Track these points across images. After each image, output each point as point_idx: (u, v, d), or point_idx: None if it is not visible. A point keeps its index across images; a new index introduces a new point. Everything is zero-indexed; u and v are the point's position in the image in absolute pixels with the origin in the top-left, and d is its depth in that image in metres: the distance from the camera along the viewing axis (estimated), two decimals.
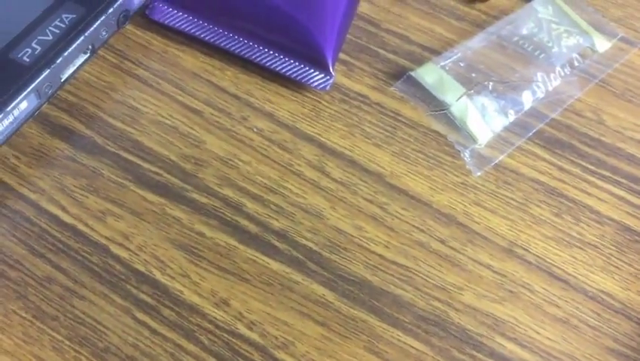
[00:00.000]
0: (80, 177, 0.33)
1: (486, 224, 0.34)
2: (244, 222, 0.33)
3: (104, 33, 0.35)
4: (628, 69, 0.40)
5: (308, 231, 0.33)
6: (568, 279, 0.32)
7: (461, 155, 0.36)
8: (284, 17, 0.37)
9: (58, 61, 0.32)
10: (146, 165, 0.34)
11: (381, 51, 0.39)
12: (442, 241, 0.33)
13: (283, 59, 0.37)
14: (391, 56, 0.39)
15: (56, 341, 0.29)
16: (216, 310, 0.30)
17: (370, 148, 0.36)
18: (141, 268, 0.31)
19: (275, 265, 0.32)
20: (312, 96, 0.37)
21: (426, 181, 0.35)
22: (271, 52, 0.37)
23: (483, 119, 0.36)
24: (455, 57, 0.38)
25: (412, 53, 0.39)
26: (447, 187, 0.35)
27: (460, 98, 0.37)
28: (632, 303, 0.32)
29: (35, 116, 0.34)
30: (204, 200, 0.33)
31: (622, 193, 0.35)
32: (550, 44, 0.39)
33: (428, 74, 0.38)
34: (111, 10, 0.34)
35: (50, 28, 0.33)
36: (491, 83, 0.37)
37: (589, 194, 0.35)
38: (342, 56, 0.39)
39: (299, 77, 0.37)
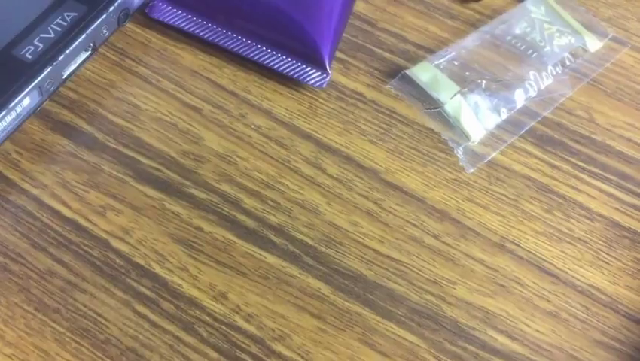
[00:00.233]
0: (81, 173, 0.34)
1: (478, 220, 0.34)
2: (242, 218, 0.33)
3: (105, 31, 0.35)
4: (619, 68, 0.40)
5: (304, 226, 0.33)
6: (558, 273, 0.33)
7: (455, 152, 0.36)
8: (282, 16, 0.37)
9: (60, 58, 0.33)
10: (146, 161, 0.34)
11: (377, 50, 0.40)
12: (435, 236, 0.34)
13: (280, 57, 0.38)
14: (386, 54, 0.40)
15: (58, 333, 0.30)
16: (214, 303, 0.31)
17: (365, 145, 0.36)
18: (141, 262, 0.32)
19: (272, 259, 0.32)
20: (308, 94, 0.38)
21: (420, 178, 0.35)
22: (269, 50, 0.38)
23: (476, 117, 0.37)
24: (449, 56, 0.39)
25: (408, 52, 0.40)
26: (441, 183, 0.35)
27: (454, 96, 0.37)
28: (620, 297, 0.33)
29: (37, 113, 0.35)
30: (203, 195, 0.34)
31: (611, 190, 0.36)
32: (542, 44, 0.40)
33: (423, 73, 0.38)
34: (111, 8, 0.35)
35: (52, 26, 0.33)
36: (484, 82, 0.38)
37: (579, 190, 0.36)
38: (338, 54, 0.39)
39: (296, 75, 0.37)
